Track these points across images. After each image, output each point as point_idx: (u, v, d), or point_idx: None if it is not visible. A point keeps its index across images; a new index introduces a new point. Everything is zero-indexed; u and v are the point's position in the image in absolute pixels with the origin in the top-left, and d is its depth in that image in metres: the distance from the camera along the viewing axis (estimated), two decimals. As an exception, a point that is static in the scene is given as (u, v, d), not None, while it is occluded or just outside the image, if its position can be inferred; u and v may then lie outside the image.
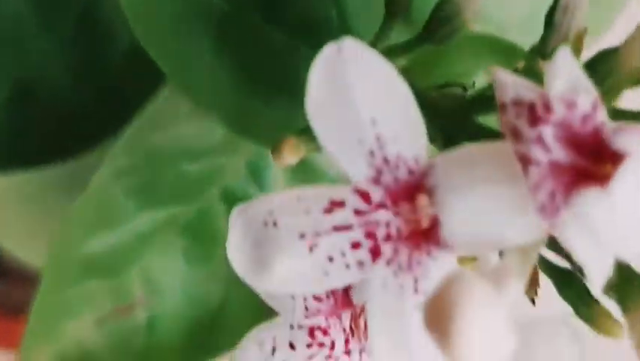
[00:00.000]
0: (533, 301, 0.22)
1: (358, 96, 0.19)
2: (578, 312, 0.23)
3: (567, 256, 0.23)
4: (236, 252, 0.20)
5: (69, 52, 0.36)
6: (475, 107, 0.25)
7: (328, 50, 0.19)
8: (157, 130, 0.30)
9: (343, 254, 0.19)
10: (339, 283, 0.19)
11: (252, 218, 0.20)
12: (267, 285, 0.19)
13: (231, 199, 0.33)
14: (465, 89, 0.23)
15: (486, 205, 0.18)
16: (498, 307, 0.16)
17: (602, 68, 0.21)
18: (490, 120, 0.25)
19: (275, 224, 0.19)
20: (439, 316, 0.16)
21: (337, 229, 0.19)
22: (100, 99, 0.36)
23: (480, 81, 0.29)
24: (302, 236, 0.19)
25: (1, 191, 0.47)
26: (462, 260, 0.21)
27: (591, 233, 0.16)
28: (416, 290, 0.19)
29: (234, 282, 0.34)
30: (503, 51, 0.29)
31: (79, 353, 0.33)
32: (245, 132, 0.28)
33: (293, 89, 0.28)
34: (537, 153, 0.17)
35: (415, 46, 0.25)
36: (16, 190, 0.46)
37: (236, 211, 0.21)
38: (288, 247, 0.19)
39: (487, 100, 0.25)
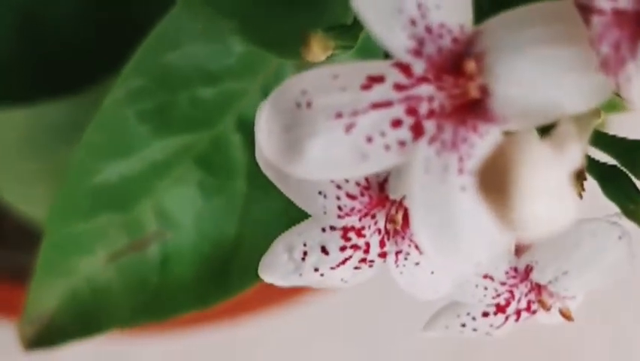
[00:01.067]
0: (581, 196, 0.20)
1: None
2: (624, 209, 0.21)
3: (614, 150, 0.21)
4: (268, 137, 0.18)
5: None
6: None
7: None
8: (170, 49, 0.29)
9: (383, 133, 0.18)
10: (377, 167, 0.18)
11: (284, 100, 0.18)
12: (301, 171, 0.18)
13: (247, 128, 0.32)
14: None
15: (542, 68, 0.16)
16: (560, 170, 0.15)
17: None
18: None
19: (309, 105, 0.18)
20: (495, 181, 0.15)
21: (376, 106, 0.18)
22: (104, 32, 0.35)
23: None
24: (338, 115, 0.18)
25: (3, 147, 0.46)
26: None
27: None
28: (461, 170, 0.17)
29: (249, 219, 0.33)
30: None
31: (91, 290, 0.32)
32: (266, 43, 0.26)
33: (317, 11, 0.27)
34: (600, 1, 0.15)
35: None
36: (16, 140, 0.45)
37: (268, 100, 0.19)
38: (323, 128, 0.18)
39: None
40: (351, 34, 0.23)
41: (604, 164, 0.22)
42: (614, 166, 0.22)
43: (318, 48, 0.21)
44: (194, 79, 0.30)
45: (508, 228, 0.15)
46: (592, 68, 0.16)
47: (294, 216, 0.34)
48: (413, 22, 0.17)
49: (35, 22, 0.33)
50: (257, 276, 0.32)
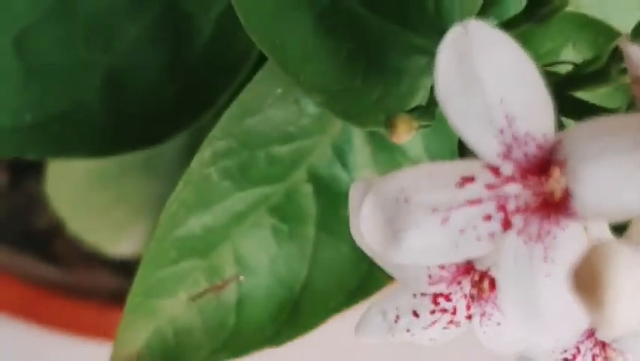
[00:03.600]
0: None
1: (487, 76, 0.20)
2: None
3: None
4: (370, 228, 0.21)
5: (155, 43, 0.37)
6: (569, 83, 0.26)
7: (455, 32, 0.20)
8: (251, 115, 0.31)
9: (475, 227, 0.20)
10: (468, 255, 0.20)
11: (384, 195, 0.20)
12: (400, 258, 0.20)
13: (317, 180, 0.34)
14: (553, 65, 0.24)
15: (617, 173, 0.19)
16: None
17: None
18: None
19: (406, 200, 0.20)
20: (588, 282, 0.17)
21: (469, 202, 0.20)
22: (181, 89, 0.37)
23: (567, 56, 0.30)
24: (434, 210, 0.20)
25: (76, 175, 0.48)
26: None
27: None
28: (545, 258, 0.20)
29: (318, 262, 0.35)
30: (591, 27, 0.30)
31: (174, 329, 0.34)
32: (342, 112, 0.29)
33: (388, 70, 0.29)
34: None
35: (516, 25, 0.26)
36: (85, 172, 0.47)
37: (358, 187, 0.22)
38: (420, 222, 0.20)
39: (581, 77, 0.26)
40: (429, 113, 0.26)
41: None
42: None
43: (403, 129, 0.24)
44: (270, 139, 0.32)
45: (599, 324, 0.17)
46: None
47: (360, 260, 0.36)
48: (502, 132, 0.20)
49: (119, 85, 0.36)
50: (324, 314, 0.35)
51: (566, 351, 0.25)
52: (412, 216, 0.20)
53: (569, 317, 0.20)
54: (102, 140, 0.37)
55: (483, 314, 0.23)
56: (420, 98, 0.29)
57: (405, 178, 0.20)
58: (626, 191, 0.19)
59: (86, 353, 0.66)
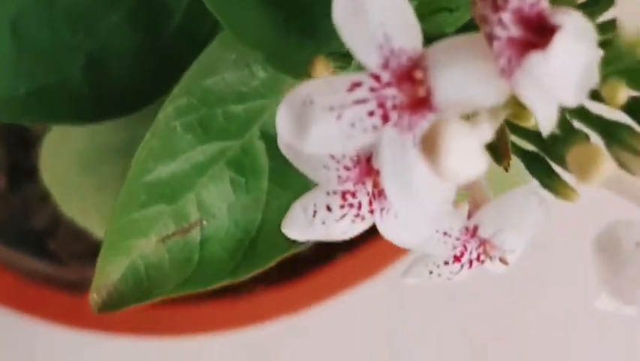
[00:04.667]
0: (507, 169, 0.29)
1: (370, 5, 0.26)
2: (543, 183, 0.30)
3: (533, 140, 0.30)
4: (284, 126, 0.27)
5: (132, 27, 0.43)
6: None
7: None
8: (208, 76, 0.38)
9: (362, 121, 0.26)
10: (359, 144, 0.26)
11: (295, 100, 0.27)
12: (307, 147, 0.26)
13: (269, 137, 0.40)
14: (451, 11, 0.30)
15: (464, 76, 0.25)
16: (474, 139, 0.23)
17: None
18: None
19: (311, 102, 0.26)
20: (429, 145, 0.23)
21: (357, 102, 0.26)
22: (155, 66, 0.44)
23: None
24: (331, 109, 0.26)
25: (64, 164, 0.54)
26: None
27: (538, 86, 0.23)
28: (415, 145, 0.26)
29: (271, 209, 0.41)
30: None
31: (145, 265, 0.40)
32: (281, 66, 0.35)
33: (319, 33, 0.36)
34: (498, 32, 0.24)
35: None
36: (75, 157, 0.53)
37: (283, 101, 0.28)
38: (321, 118, 0.26)
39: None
40: (345, 59, 0.32)
41: (527, 150, 0.30)
42: (535, 152, 0.30)
43: (321, 68, 0.30)
44: (228, 98, 0.38)
45: (440, 177, 0.23)
46: (496, 76, 0.24)
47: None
48: (381, 47, 0.26)
49: (101, 65, 0.42)
50: (277, 253, 0.41)
51: (455, 248, 0.31)
52: (315, 114, 0.26)
53: (434, 188, 0.26)
54: (87, 108, 0.43)
55: (382, 209, 0.29)
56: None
57: (310, 86, 0.26)
58: (470, 89, 0.25)
59: (75, 339, 0.71)
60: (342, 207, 0.29)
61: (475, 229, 0.31)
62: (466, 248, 0.31)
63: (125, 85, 0.43)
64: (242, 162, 0.40)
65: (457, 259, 0.31)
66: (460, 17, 0.30)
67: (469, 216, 0.31)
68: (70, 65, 0.43)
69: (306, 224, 0.30)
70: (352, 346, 0.76)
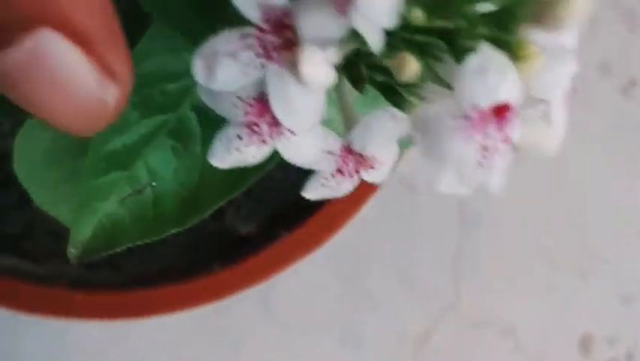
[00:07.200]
0: (361, 92, 0.39)
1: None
2: (392, 102, 0.40)
3: (380, 71, 0.40)
4: (198, 72, 0.37)
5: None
6: None
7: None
8: (145, 60, 0.48)
9: (252, 60, 0.36)
10: (252, 79, 0.36)
11: (205, 52, 0.37)
12: (216, 86, 0.36)
13: (198, 109, 0.50)
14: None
15: (317, 19, 0.35)
16: (324, 57, 0.34)
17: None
18: None
19: (216, 52, 0.36)
20: (295, 63, 0.34)
21: (248, 47, 0.36)
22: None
23: None
24: (230, 54, 0.36)
25: (34, 161, 0.63)
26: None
27: (364, 14, 0.34)
28: (291, 74, 0.36)
29: (206, 169, 0.51)
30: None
31: (110, 222, 0.50)
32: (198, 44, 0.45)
33: (234, 20, 0.46)
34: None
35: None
36: (42, 154, 0.63)
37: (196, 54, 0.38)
38: (223, 62, 0.36)
39: None
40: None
41: (382, 81, 0.40)
42: (389, 83, 0.40)
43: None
44: (163, 78, 0.49)
45: (304, 85, 0.33)
46: (337, 16, 0.34)
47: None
48: (261, 6, 0.36)
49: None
50: (215, 203, 0.51)
51: (338, 163, 0.41)
52: (219, 59, 0.36)
53: (307, 101, 0.36)
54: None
55: (280, 133, 0.39)
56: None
57: (216, 39, 0.37)
58: (321, 28, 0.35)
59: (53, 330, 0.80)
60: (249, 135, 0.39)
61: (350, 145, 0.41)
62: (346, 163, 0.41)
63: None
64: (179, 132, 0.50)
65: (339, 172, 0.41)
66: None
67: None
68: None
69: (225, 152, 0.40)
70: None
